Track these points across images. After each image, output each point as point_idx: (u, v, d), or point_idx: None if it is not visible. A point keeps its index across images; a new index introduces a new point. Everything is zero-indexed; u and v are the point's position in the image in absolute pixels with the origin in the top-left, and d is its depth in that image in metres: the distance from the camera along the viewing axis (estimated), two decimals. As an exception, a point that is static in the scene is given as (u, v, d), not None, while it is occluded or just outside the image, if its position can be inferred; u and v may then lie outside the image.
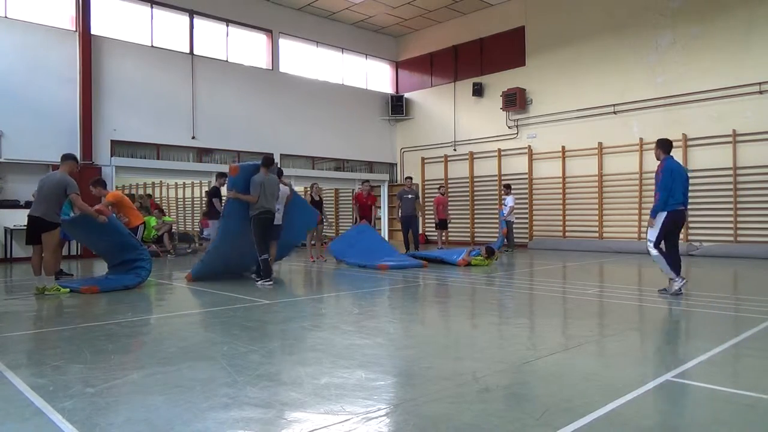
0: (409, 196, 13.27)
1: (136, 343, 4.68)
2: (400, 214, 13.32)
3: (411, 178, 14.31)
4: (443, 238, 14.92)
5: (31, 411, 2.93)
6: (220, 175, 11.34)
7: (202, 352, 4.20)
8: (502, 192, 14.96)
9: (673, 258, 6.76)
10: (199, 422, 2.76)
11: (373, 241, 11.48)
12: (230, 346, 4.35)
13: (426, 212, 19.03)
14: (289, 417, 2.86)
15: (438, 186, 16.52)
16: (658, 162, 6.90)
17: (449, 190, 18.05)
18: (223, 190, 10.36)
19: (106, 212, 7.39)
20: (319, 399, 3.11)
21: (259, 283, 7.94)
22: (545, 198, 15.93)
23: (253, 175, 8.07)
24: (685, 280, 6.78)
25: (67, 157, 7.50)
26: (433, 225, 15.20)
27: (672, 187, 6.61)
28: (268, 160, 8.37)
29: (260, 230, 8.04)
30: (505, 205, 14.19)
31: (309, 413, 2.92)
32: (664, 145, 6.93)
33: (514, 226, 14.64)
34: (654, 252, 6.72)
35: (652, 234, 6.73)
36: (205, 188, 18.43)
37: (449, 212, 15.58)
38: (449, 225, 15.89)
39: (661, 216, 6.65)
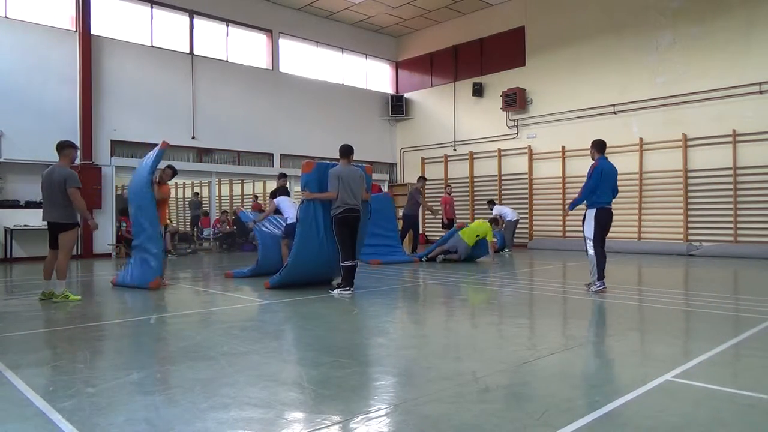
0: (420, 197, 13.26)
1: (136, 343, 4.68)
2: (403, 212, 13.23)
3: (425, 178, 14.24)
4: None
5: (31, 411, 2.93)
6: (281, 176, 11.22)
7: (202, 352, 4.19)
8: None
9: (602, 258, 7.12)
10: (199, 422, 2.76)
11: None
12: (230, 346, 4.35)
13: (427, 212, 19.05)
14: (289, 417, 2.86)
15: (444, 186, 16.44)
16: (593, 161, 7.28)
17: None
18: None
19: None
20: (319, 399, 3.11)
21: (336, 291, 7.10)
22: (545, 198, 15.93)
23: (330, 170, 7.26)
24: (604, 286, 7.11)
25: (64, 146, 6.80)
26: (440, 225, 15.13)
27: (599, 187, 7.00)
28: (347, 149, 7.35)
29: (343, 231, 7.08)
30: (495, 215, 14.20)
31: (309, 413, 2.91)
32: (599, 146, 7.34)
33: (517, 225, 14.60)
34: (592, 251, 7.06)
35: (589, 230, 7.07)
36: (196, 189, 18.51)
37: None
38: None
39: (592, 213, 7.05)
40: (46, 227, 6.81)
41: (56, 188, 6.55)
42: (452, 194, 15.37)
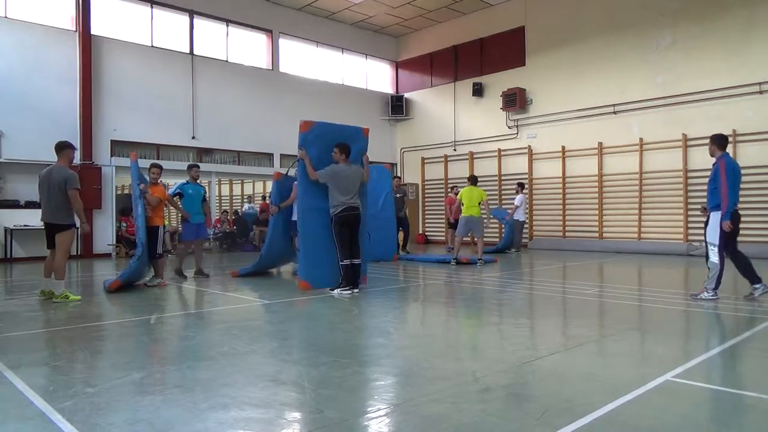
0: (397, 195, 13.27)
1: (136, 343, 4.68)
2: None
3: (399, 177, 14.30)
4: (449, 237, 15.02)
5: (31, 411, 2.93)
6: None
7: (202, 352, 4.19)
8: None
9: (744, 260, 6.44)
10: (199, 422, 2.76)
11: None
12: (230, 346, 4.35)
13: (428, 212, 19.06)
14: (289, 417, 2.86)
15: (449, 187, 16.39)
16: (714, 159, 6.53)
17: (449, 190, 18.06)
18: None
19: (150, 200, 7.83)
20: (318, 399, 3.11)
21: (336, 291, 7.06)
22: (545, 198, 15.92)
23: (333, 145, 7.23)
24: (717, 297, 6.32)
25: (63, 146, 6.79)
26: (442, 225, 15.10)
27: (734, 187, 6.30)
28: (346, 147, 7.30)
29: (342, 231, 7.07)
30: (516, 205, 13.78)
31: (309, 413, 2.92)
32: (720, 142, 6.58)
33: (524, 225, 14.28)
34: (715, 258, 6.31)
35: (714, 236, 6.32)
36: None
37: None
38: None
39: (718, 216, 6.31)
40: (44, 228, 6.82)
41: (56, 189, 6.53)
42: (458, 194, 15.35)
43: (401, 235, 13.62)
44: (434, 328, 5.50)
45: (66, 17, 13.23)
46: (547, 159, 15.80)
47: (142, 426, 2.71)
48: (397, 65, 20.21)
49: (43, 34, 12.78)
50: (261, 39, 16.84)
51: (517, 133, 16.53)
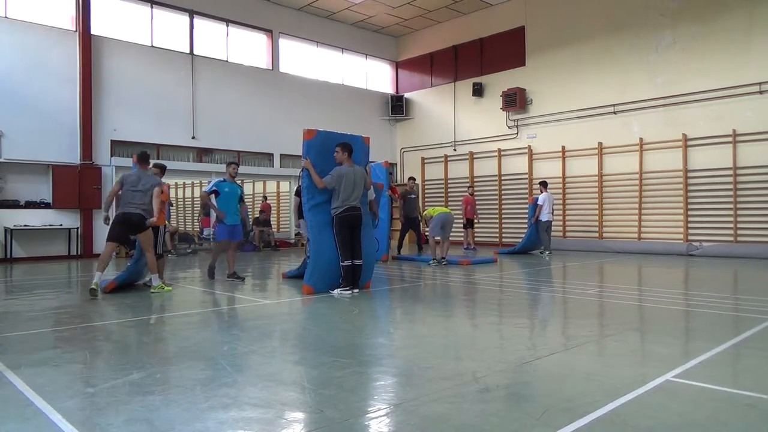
0: (412, 196, 13.32)
1: (136, 343, 4.68)
2: (402, 215, 13.32)
3: (413, 178, 14.31)
4: (469, 237, 15.14)
5: (31, 411, 2.93)
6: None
7: (202, 352, 4.19)
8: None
9: None
10: (199, 422, 2.76)
11: None
12: (230, 346, 4.35)
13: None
14: (289, 417, 2.86)
15: (467, 186, 16.29)
16: None
17: (449, 190, 18.08)
18: None
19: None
20: (319, 399, 3.11)
21: (336, 291, 7.08)
22: (545, 198, 15.91)
23: (335, 148, 7.22)
24: None
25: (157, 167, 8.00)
26: (461, 225, 15.07)
27: None
28: (348, 147, 7.30)
29: (343, 232, 7.10)
30: (539, 205, 13.07)
31: (309, 413, 2.92)
32: None
33: (550, 225, 13.42)
34: None
35: None
36: (202, 188, 18.51)
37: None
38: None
39: None
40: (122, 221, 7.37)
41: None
42: (474, 195, 15.45)
43: (412, 235, 13.83)
44: (434, 328, 5.50)
45: (66, 17, 13.23)
46: (547, 159, 15.80)
47: (142, 426, 2.71)
48: (397, 65, 20.21)
49: (43, 34, 12.79)
50: (261, 39, 16.84)
51: (517, 133, 16.53)
